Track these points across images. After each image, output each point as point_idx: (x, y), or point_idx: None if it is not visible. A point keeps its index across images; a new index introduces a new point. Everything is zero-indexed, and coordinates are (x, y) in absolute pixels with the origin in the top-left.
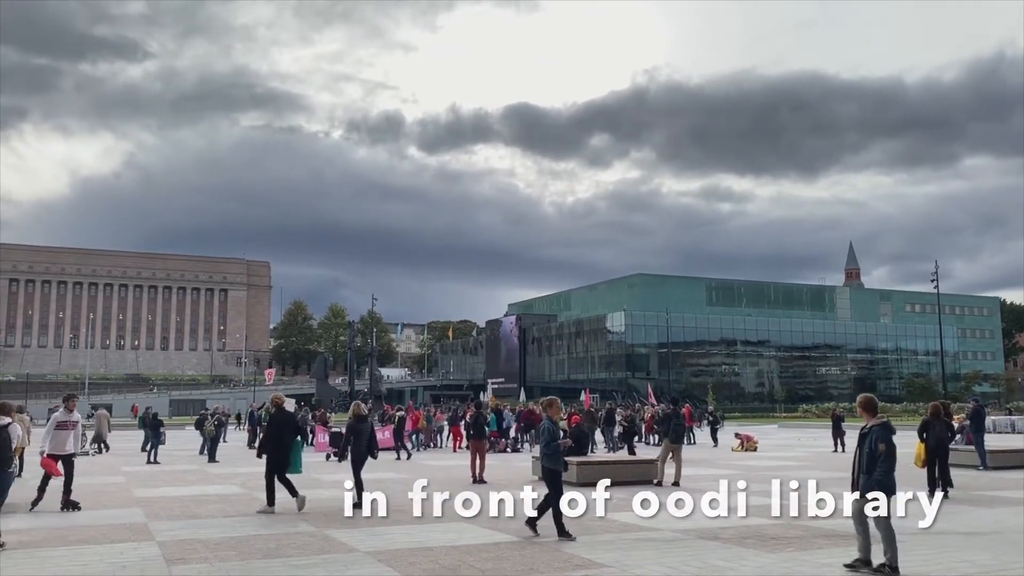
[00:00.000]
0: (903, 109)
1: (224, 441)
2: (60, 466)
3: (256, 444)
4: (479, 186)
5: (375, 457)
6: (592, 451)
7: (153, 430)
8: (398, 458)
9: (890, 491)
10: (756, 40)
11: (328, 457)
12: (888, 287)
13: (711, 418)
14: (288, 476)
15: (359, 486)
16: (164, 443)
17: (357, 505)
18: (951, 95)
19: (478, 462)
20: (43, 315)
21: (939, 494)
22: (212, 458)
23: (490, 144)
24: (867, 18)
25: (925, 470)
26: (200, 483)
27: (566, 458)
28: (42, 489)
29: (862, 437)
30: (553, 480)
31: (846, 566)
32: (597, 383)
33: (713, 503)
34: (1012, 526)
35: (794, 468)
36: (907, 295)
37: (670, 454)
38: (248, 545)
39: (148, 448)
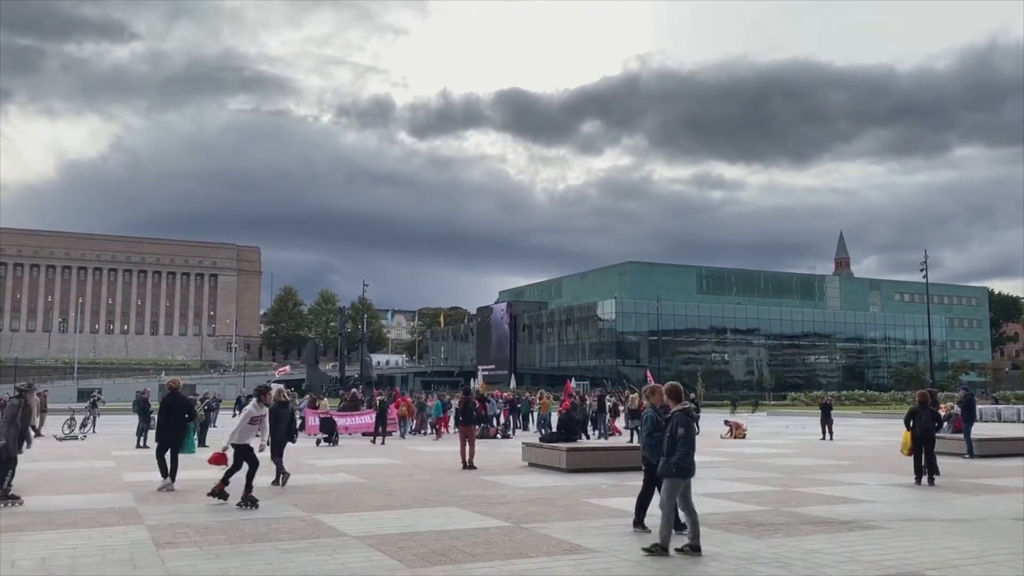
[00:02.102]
0: (895, 98)
1: (214, 426)
2: (230, 457)
3: None
4: (470, 172)
5: (293, 441)
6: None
7: (142, 414)
8: (373, 441)
9: (685, 473)
10: (748, 27)
11: (318, 442)
12: (878, 276)
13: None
14: (183, 455)
15: (278, 466)
16: (153, 427)
17: (275, 483)
18: (943, 84)
19: (467, 448)
20: (32, 299)
21: (925, 481)
22: (202, 443)
23: (481, 130)
24: (859, 6)
25: (912, 458)
26: (190, 468)
27: (558, 443)
28: (227, 481)
29: (666, 422)
30: (650, 471)
31: (678, 551)
32: (587, 371)
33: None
34: (997, 513)
35: (782, 456)
36: (896, 284)
37: None
38: (237, 529)
39: (137, 431)
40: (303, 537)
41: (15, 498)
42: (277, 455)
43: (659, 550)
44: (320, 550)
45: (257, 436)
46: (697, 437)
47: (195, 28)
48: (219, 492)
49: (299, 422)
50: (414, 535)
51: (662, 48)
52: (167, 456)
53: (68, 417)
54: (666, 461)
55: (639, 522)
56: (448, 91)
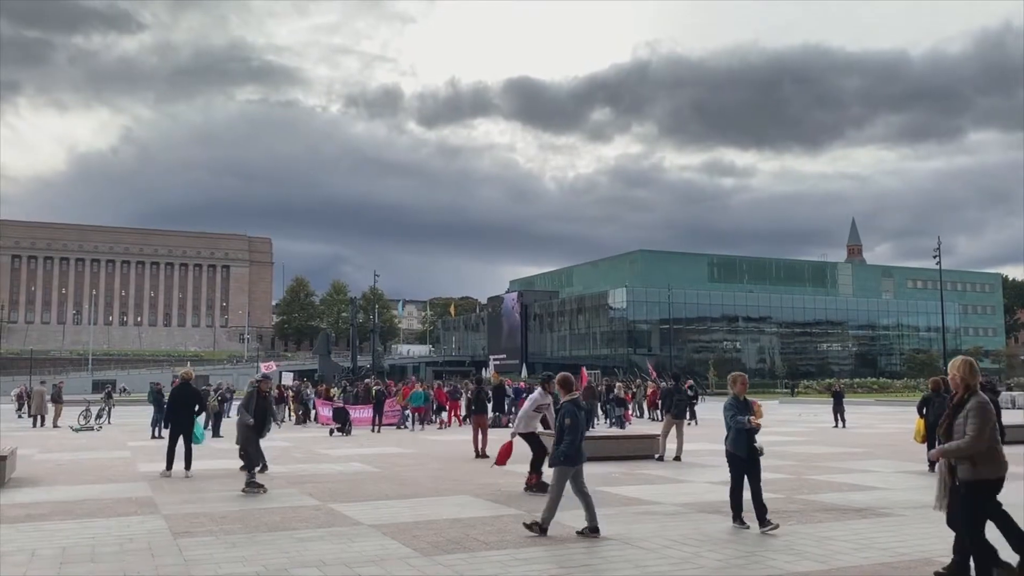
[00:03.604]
0: (908, 82)
1: (228, 416)
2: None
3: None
4: (479, 161)
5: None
6: (594, 426)
7: (156, 405)
8: (372, 431)
9: (572, 461)
10: (759, 12)
11: (331, 432)
12: (891, 263)
13: (690, 392)
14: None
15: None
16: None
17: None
18: (957, 68)
19: (480, 437)
20: (46, 291)
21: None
22: (216, 433)
23: (490, 118)
24: None
25: (925, 445)
26: (205, 458)
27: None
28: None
29: (557, 411)
30: (731, 464)
31: (578, 533)
32: (599, 359)
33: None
34: (1010, 501)
35: (795, 443)
36: (909, 271)
37: (672, 429)
38: (253, 518)
39: (152, 422)
40: (318, 526)
41: (259, 485)
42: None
43: (537, 529)
44: (335, 539)
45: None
46: (701, 424)
47: (202, 18)
48: (536, 484)
49: (312, 412)
50: (428, 523)
51: (671, 34)
52: (178, 446)
53: (84, 408)
54: (554, 450)
55: (737, 518)
56: (456, 80)
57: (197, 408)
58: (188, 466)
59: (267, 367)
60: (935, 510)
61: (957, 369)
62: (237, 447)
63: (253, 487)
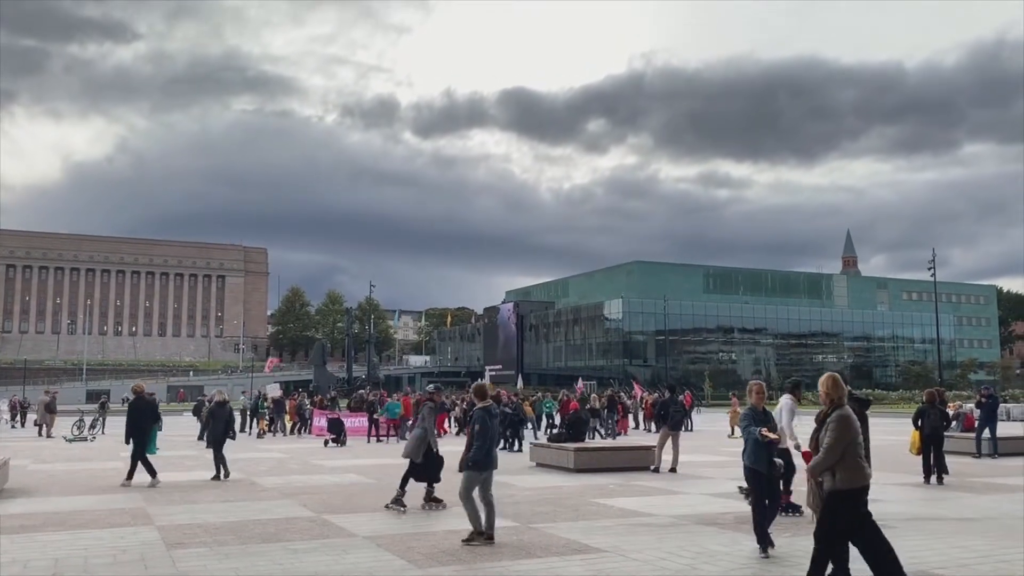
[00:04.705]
0: (903, 94)
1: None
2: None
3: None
4: (475, 171)
5: (233, 438)
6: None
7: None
8: (367, 441)
9: (482, 467)
10: (754, 24)
11: (326, 443)
12: (886, 275)
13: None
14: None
15: (218, 461)
16: (161, 429)
17: (215, 478)
18: (951, 80)
19: None
20: (40, 301)
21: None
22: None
23: (485, 129)
24: (867, 2)
25: (920, 457)
26: (199, 468)
27: (565, 443)
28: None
29: (470, 419)
30: (752, 481)
31: (464, 542)
32: (595, 370)
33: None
34: (1007, 512)
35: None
36: (904, 283)
37: (668, 440)
38: (247, 530)
39: None
40: (313, 537)
41: (438, 500)
42: (217, 451)
43: (476, 536)
44: (330, 550)
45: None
46: (695, 434)
47: (197, 28)
48: (788, 505)
49: (308, 423)
50: (423, 535)
51: (667, 46)
52: (138, 456)
53: (77, 419)
54: (464, 455)
55: (762, 544)
56: (452, 90)
57: (153, 419)
58: (152, 475)
59: (270, 363)
60: (809, 521)
61: (822, 385)
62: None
63: (434, 501)
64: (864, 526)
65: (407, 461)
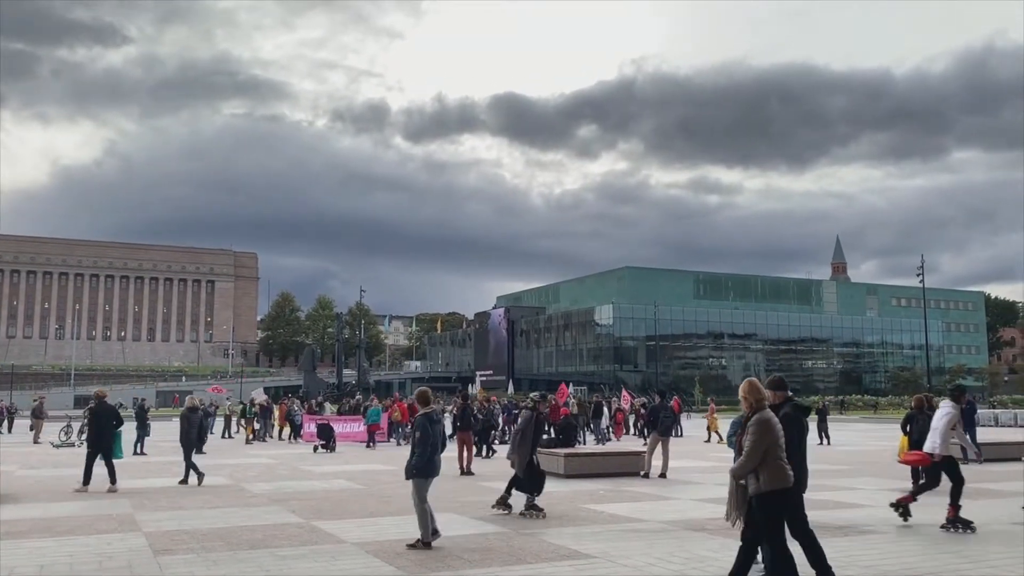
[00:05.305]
0: (892, 101)
1: (212, 432)
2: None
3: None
4: (465, 177)
5: (204, 442)
6: (584, 443)
7: (139, 421)
8: (368, 446)
9: (424, 473)
10: (745, 30)
11: (316, 448)
12: (875, 281)
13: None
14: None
15: (188, 466)
16: (149, 434)
17: (183, 481)
18: (940, 87)
19: (465, 454)
20: (28, 306)
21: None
22: (199, 449)
23: (476, 134)
24: (857, 9)
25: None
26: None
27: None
28: None
29: (411, 425)
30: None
31: (408, 546)
32: (585, 376)
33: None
34: (995, 518)
35: None
36: (893, 289)
37: (658, 446)
38: (235, 536)
39: (135, 439)
40: (301, 544)
41: (538, 509)
42: (187, 456)
43: (420, 545)
44: (318, 556)
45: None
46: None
47: (187, 32)
48: (902, 504)
49: (297, 427)
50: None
51: (658, 52)
52: (94, 459)
53: (65, 424)
54: (408, 463)
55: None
56: (443, 95)
57: (115, 424)
58: (112, 480)
59: (216, 390)
60: (729, 525)
61: (741, 390)
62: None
63: (534, 510)
64: (804, 537)
65: (397, 468)
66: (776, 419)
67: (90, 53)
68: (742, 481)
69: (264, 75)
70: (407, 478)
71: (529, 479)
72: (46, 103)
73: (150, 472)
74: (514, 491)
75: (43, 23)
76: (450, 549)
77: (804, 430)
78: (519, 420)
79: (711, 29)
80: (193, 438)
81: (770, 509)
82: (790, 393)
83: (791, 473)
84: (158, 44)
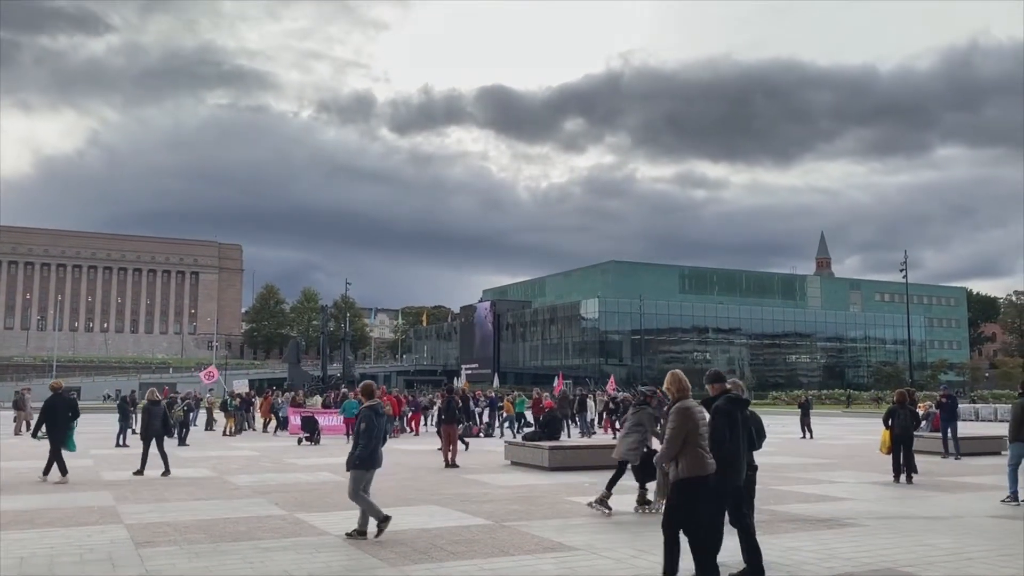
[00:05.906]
0: (877, 98)
1: (195, 425)
2: None
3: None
4: (452, 169)
5: (170, 436)
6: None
7: (122, 413)
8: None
9: (367, 465)
10: (731, 26)
11: (300, 441)
12: (859, 276)
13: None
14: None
15: (144, 457)
16: (133, 426)
17: (138, 472)
18: (925, 84)
19: (450, 447)
20: (10, 296)
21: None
22: (182, 442)
23: (463, 126)
24: (842, 5)
25: (890, 456)
26: (172, 466)
27: (538, 442)
28: None
29: (356, 417)
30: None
31: (347, 534)
32: (571, 369)
33: None
34: (974, 511)
35: (762, 454)
36: (876, 284)
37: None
38: (217, 528)
39: (118, 431)
40: (284, 536)
41: (650, 503)
42: (146, 448)
43: (356, 535)
44: (301, 549)
45: None
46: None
47: (171, 21)
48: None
49: (282, 420)
50: (395, 534)
51: (645, 46)
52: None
53: None
54: (350, 455)
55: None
56: (430, 87)
57: (71, 416)
58: (63, 472)
59: (211, 374)
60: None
61: (666, 382)
62: None
63: (602, 505)
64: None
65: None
66: (696, 408)
67: (72, 41)
68: (664, 467)
69: (249, 65)
70: (347, 469)
71: (643, 469)
72: (28, 91)
73: (133, 464)
74: (615, 485)
75: (24, 10)
76: (433, 541)
77: (735, 422)
78: (630, 415)
79: (698, 24)
80: (157, 428)
81: (687, 495)
82: (728, 386)
83: (711, 461)
84: (141, 33)
